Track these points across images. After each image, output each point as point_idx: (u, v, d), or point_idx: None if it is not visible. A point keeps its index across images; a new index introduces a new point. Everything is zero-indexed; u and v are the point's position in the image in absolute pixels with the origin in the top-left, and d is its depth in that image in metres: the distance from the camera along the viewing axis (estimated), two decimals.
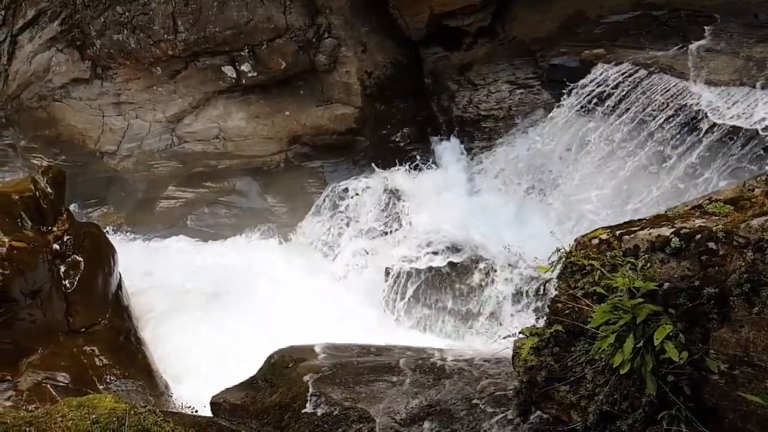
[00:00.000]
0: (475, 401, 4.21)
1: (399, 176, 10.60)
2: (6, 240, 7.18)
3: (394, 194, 10.31)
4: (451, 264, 9.03)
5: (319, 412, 4.39)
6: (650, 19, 9.25)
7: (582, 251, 3.41)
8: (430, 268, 9.14)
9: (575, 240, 3.55)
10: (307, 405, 4.47)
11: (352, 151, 11.36)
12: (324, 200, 10.98)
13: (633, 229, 3.36)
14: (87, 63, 12.26)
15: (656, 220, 3.40)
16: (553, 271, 3.51)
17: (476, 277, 8.77)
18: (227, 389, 5.22)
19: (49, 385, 6.56)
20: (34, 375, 7.10)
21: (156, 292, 9.72)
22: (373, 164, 10.93)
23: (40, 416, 3.14)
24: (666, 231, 3.18)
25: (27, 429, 3.00)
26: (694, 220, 3.24)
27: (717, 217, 3.21)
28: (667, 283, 3.05)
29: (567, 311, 3.36)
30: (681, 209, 3.49)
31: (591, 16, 9.85)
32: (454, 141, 11.16)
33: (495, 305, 8.49)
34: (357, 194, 10.64)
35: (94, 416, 3.04)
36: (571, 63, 9.31)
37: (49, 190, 8.25)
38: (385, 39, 11.34)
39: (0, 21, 13.17)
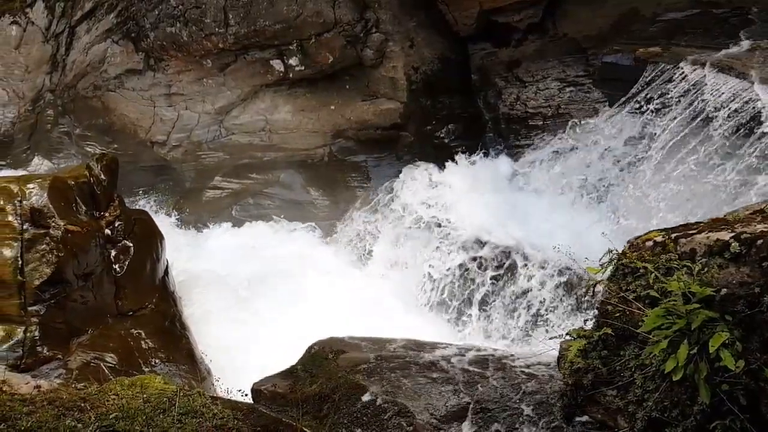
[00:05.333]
0: (516, 402, 4.16)
1: (444, 173, 10.52)
2: (61, 224, 7.41)
3: (438, 191, 10.24)
4: (496, 263, 8.93)
5: (359, 404, 4.39)
6: (710, 18, 8.93)
7: (635, 253, 3.32)
8: (474, 268, 9.06)
9: (628, 242, 3.45)
10: (346, 396, 4.49)
11: (396, 146, 11.34)
12: (367, 195, 10.99)
13: (690, 232, 3.25)
14: (140, 55, 12.59)
15: (715, 224, 3.28)
16: (603, 272, 3.43)
17: (522, 278, 8.63)
18: (267, 377, 5.28)
19: (101, 364, 6.76)
20: (84, 355, 7.30)
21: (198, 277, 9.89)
22: (417, 160, 10.90)
23: (93, 393, 3.25)
24: (725, 235, 3.07)
25: (82, 404, 3.11)
26: (755, 225, 3.11)
27: None
28: (725, 289, 2.94)
29: (617, 314, 3.28)
30: (741, 213, 3.36)
31: (646, 13, 9.55)
32: (501, 138, 11.02)
33: (541, 306, 8.34)
34: (400, 190, 10.61)
35: (145, 395, 3.13)
36: (624, 61, 9.05)
37: (102, 176, 8.48)
38: (432, 34, 11.27)
39: (59, 12, 13.64)
